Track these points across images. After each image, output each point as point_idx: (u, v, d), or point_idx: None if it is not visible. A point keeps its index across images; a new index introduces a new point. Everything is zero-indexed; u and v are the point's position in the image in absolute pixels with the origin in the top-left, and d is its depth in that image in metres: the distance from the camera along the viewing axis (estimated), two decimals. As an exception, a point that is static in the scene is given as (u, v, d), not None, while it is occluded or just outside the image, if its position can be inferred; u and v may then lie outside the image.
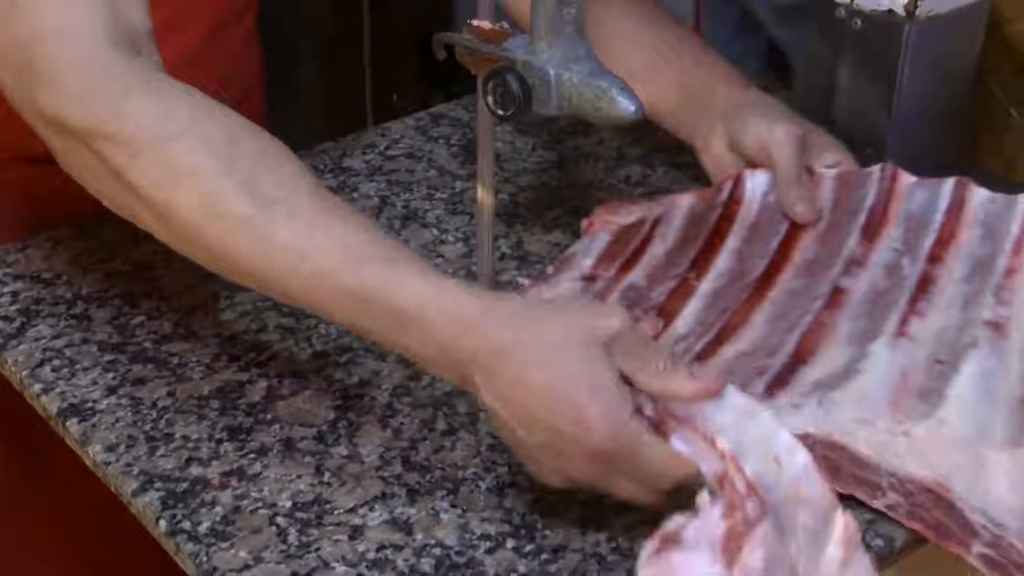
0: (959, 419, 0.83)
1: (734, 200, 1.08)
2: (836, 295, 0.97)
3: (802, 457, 0.77)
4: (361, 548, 0.83)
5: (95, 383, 0.97)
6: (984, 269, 0.98)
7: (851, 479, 0.84)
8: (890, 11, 1.12)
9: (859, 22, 1.14)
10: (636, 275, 1.02)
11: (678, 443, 0.77)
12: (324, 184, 0.87)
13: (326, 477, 0.88)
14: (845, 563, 0.75)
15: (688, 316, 0.98)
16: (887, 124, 1.16)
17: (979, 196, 1.05)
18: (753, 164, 1.09)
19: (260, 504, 0.86)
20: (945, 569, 0.95)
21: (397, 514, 0.85)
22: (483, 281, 0.99)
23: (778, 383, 0.88)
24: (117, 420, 0.94)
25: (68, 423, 0.94)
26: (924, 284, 0.97)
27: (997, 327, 0.91)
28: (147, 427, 0.93)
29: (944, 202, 1.05)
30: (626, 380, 0.78)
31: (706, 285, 1.00)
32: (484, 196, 0.96)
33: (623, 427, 0.76)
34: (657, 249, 1.05)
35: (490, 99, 0.87)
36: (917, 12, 1.11)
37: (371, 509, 0.86)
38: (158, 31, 0.96)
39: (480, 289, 0.87)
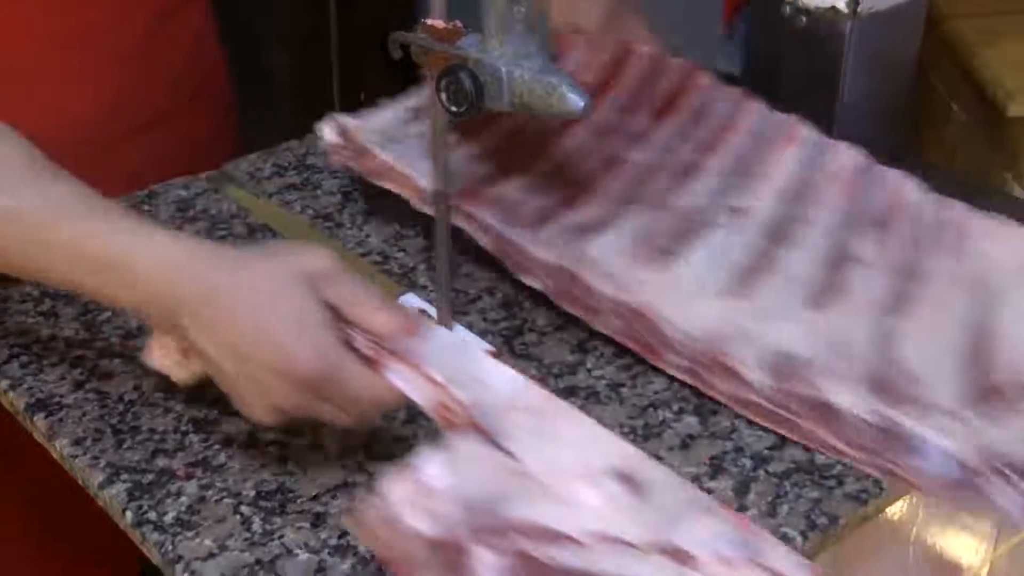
0: (686, 270, 0.96)
1: None
2: (616, 160, 1.08)
3: (510, 376, 0.85)
4: (324, 535, 0.82)
5: (62, 378, 0.96)
6: (742, 166, 1.08)
7: (579, 304, 0.96)
8: (833, 8, 1.12)
9: (803, 19, 1.15)
10: None
11: (392, 377, 0.81)
12: (43, 155, 0.86)
13: (289, 466, 0.88)
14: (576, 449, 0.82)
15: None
16: (832, 118, 1.16)
17: (758, 108, 1.13)
18: None
19: (225, 494, 0.86)
20: (884, 550, 0.95)
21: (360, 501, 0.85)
22: (441, 274, 0.98)
23: (543, 218, 1.01)
24: (84, 414, 0.93)
25: (35, 418, 0.93)
26: (690, 167, 1.08)
27: (738, 212, 1.03)
28: (114, 420, 0.92)
29: (726, 106, 1.14)
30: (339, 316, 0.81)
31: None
32: (440, 187, 0.95)
33: (328, 358, 0.78)
34: None
35: (443, 96, 0.86)
36: (859, 9, 1.11)
37: (333, 497, 0.85)
38: (93, 30, 0.95)
39: (188, 236, 0.87)
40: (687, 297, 0.93)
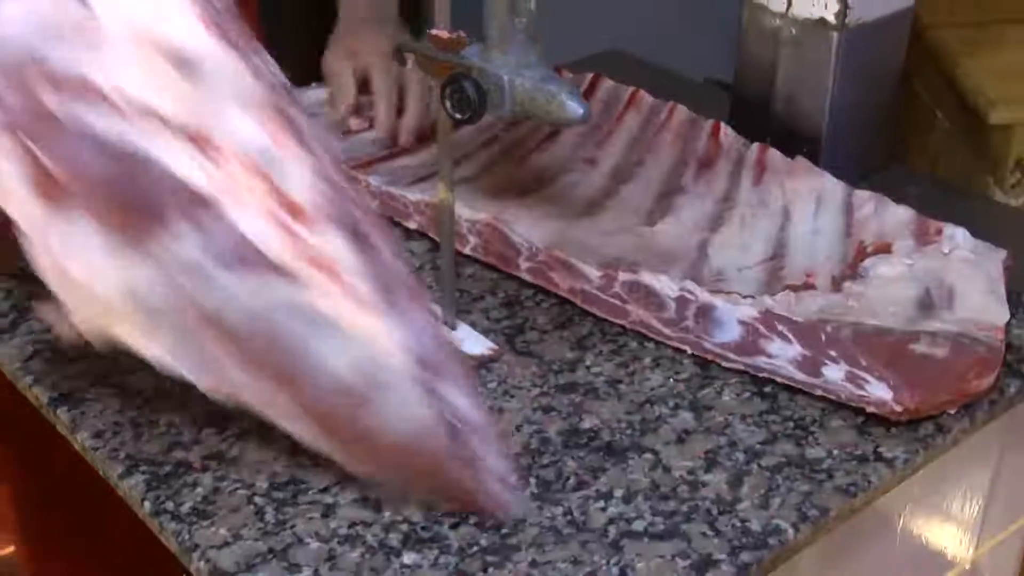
0: (539, 202, 1.10)
1: None
2: (494, 138, 1.23)
3: None
4: (333, 525, 0.81)
5: (84, 373, 0.95)
6: (594, 127, 1.23)
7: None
8: (821, 19, 1.11)
9: (793, 30, 1.14)
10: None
11: None
12: None
13: (300, 459, 0.87)
14: None
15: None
16: (822, 125, 1.15)
17: (681, 113, 1.23)
18: None
19: (239, 485, 0.85)
20: (871, 540, 0.95)
21: (367, 493, 0.84)
22: (445, 275, 0.98)
23: (420, 179, 1.15)
24: (105, 408, 0.92)
25: (59, 411, 0.92)
26: (552, 133, 1.22)
27: (589, 161, 1.18)
28: (133, 414, 0.91)
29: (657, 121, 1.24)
30: None
31: None
32: (444, 194, 0.94)
33: None
34: None
35: (448, 104, 0.85)
36: (846, 20, 1.10)
37: (343, 488, 0.84)
38: None
39: None
40: (537, 218, 1.06)
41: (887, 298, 0.95)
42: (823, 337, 0.89)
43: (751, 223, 1.07)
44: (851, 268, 1.00)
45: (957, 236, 1.00)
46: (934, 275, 0.97)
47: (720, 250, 1.04)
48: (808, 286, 0.98)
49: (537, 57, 0.84)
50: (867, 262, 1.00)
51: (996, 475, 1.09)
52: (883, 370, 0.87)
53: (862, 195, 1.07)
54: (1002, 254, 0.99)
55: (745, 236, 1.05)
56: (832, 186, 1.09)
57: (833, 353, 0.89)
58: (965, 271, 0.98)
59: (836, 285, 0.98)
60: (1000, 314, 0.94)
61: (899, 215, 1.04)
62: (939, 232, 1.01)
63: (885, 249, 1.01)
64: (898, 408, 0.87)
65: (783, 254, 1.03)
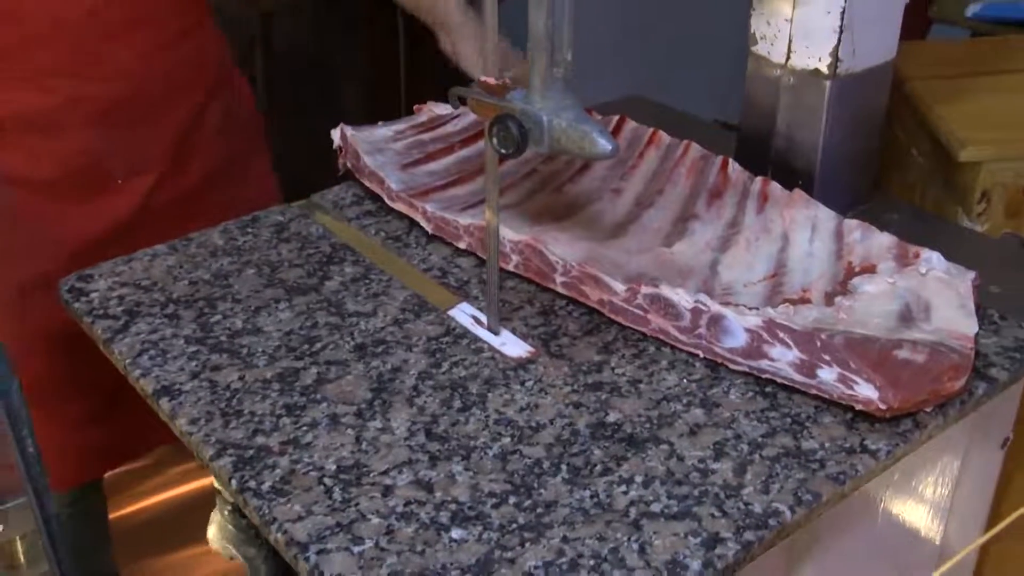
0: (571, 225, 1.08)
1: None
2: (533, 171, 1.19)
3: None
4: (392, 503, 0.79)
5: (182, 369, 0.94)
6: (619, 162, 1.20)
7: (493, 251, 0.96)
8: (816, 70, 1.09)
9: (791, 79, 1.11)
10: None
11: None
12: None
13: (363, 446, 0.85)
14: None
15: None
16: (816, 161, 1.13)
17: (695, 150, 1.19)
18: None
19: (311, 467, 0.83)
20: (857, 521, 0.92)
21: (421, 476, 0.82)
22: (491, 287, 0.96)
23: (469, 206, 1.12)
24: (198, 399, 0.90)
25: (160, 401, 0.91)
26: (583, 167, 1.19)
27: (616, 191, 1.15)
28: (222, 405, 0.90)
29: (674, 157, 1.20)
30: None
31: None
32: (491, 217, 0.92)
33: None
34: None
35: (495, 140, 0.83)
36: (837, 71, 1.08)
37: (400, 472, 0.82)
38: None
39: None
40: (571, 239, 1.04)
41: (873, 311, 0.92)
42: (818, 343, 0.86)
43: (755, 245, 1.04)
44: (841, 285, 0.97)
45: (932, 259, 0.98)
46: (913, 292, 0.95)
47: (728, 268, 1.02)
48: (804, 300, 0.95)
49: (572, 101, 0.82)
50: (855, 280, 0.97)
51: (964, 464, 1.06)
52: (871, 373, 0.84)
53: (850, 223, 1.04)
54: (971, 274, 0.96)
55: (750, 256, 1.03)
56: (825, 215, 1.06)
57: (827, 357, 0.86)
58: (939, 289, 0.95)
59: (828, 300, 0.95)
60: (970, 326, 0.91)
61: (882, 240, 1.01)
62: (917, 255, 0.98)
63: (870, 269, 0.98)
64: (883, 406, 0.84)
65: (783, 272, 1.00)
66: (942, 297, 0.94)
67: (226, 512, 1.79)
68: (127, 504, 1.96)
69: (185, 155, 1.25)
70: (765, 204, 1.09)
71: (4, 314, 1.24)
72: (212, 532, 1.83)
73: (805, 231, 1.05)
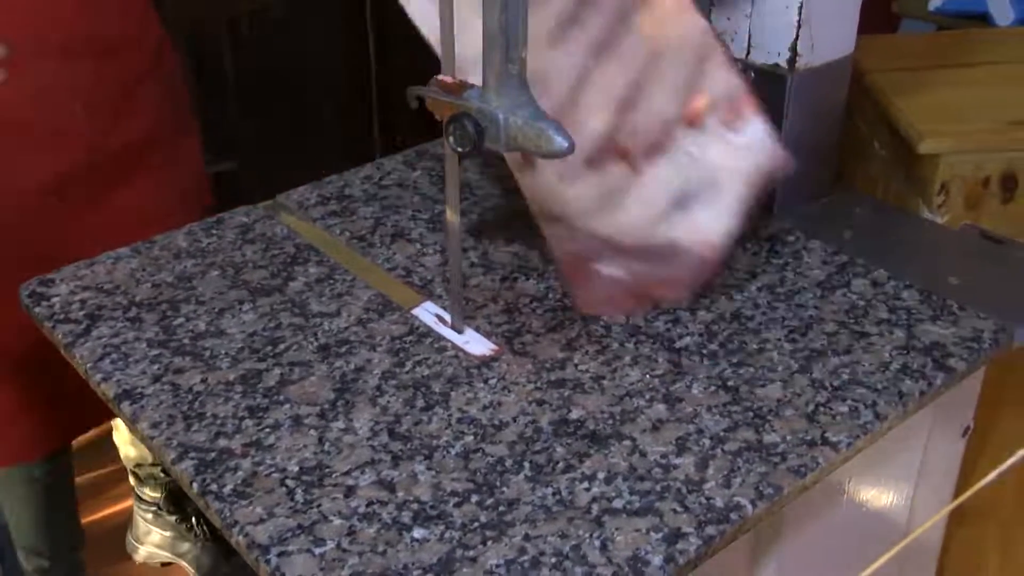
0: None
1: None
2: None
3: None
4: (354, 504, 0.78)
5: (143, 373, 0.93)
6: None
7: None
8: (776, 65, 1.09)
9: (752, 74, 1.11)
10: None
11: None
12: None
13: (326, 447, 0.84)
14: None
15: None
16: (776, 154, 1.12)
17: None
18: None
19: (273, 469, 0.82)
20: (821, 512, 0.92)
21: (383, 476, 0.81)
22: (454, 286, 0.95)
23: None
24: (160, 402, 0.89)
25: (122, 405, 0.90)
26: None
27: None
28: (184, 408, 0.88)
29: None
30: None
31: None
32: (452, 216, 0.91)
33: None
34: None
35: (451, 139, 0.82)
36: (796, 65, 1.08)
37: (362, 472, 0.81)
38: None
39: None
40: None
41: (660, 185, 0.87)
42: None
43: (623, 61, 0.89)
44: (660, 140, 0.88)
45: (754, 130, 0.87)
46: (705, 169, 0.86)
47: (594, 86, 0.89)
48: (624, 154, 0.88)
49: (528, 98, 0.81)
50: (672, 136, 0.88)
51: (926, 454, 1.06)
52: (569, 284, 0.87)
53: (716, 49, 0.88)
54: (780, 162, 0.87)
55: (613, 72, 0.89)
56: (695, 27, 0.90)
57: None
58: (734, 171, 0.86)
59: (635, 164, 0.88)
60: (720, 230, 0.84)
61: (731, 84, 0.88)
62: (742, 119, 0.87)
63: (697, 120, 0.87)
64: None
65: (636, 99, 0.89)
66: (730, 184, 0.86)
67: (148, 517, 1.77)
68: (103, 507, 1.94)
69: (115, 117, 1.21)
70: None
71: None
72: (135, 545, 1.81)
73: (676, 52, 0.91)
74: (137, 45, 1.23)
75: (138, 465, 1.72)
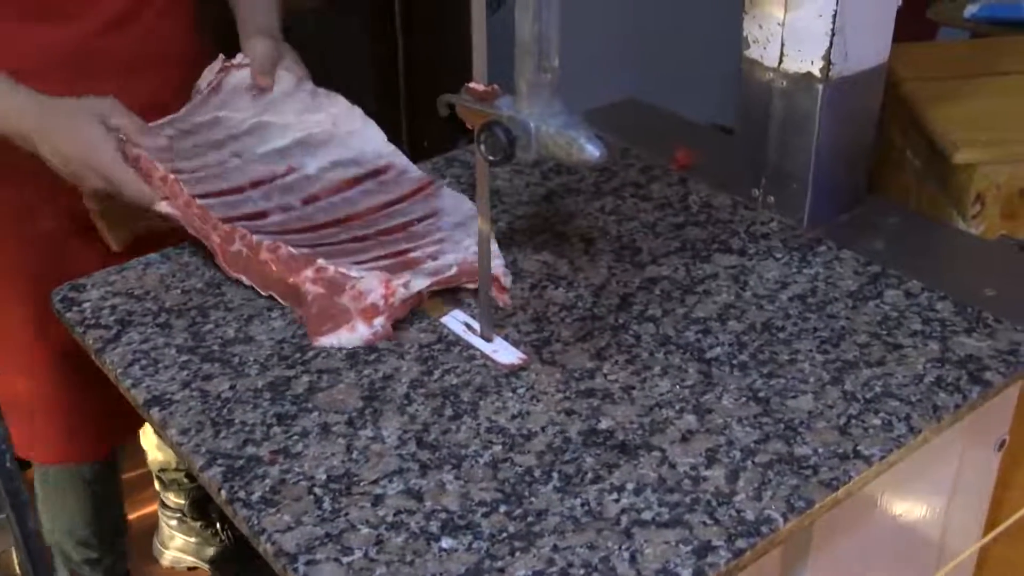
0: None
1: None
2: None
3: None
4: (382, 513, 0.78)
5: (173, 379, 0.93)
6: None
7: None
8: (808, 73, 1.08)
9: (784, 83, 1.10)
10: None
11: (164, 206, 1.06)
12: None
13: (354, 455, 0.84)
14: None
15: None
16: (809, 164, 1.12)
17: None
18: None
19: (301, 477, 0.82)
20: (854, 527, 0.91)
21: (411, 485, 0.81)
22: (483, 294, 0.95)
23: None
24: (189, 409, 0.90)
25: (151, 411, 0.90)
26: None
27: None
28: (212, 414, 0.89)
29: None
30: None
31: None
32: (483, 224, 0.91)
33: (107, 158, 1.04)
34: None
35: (483, 147, 0.82)
36: (830, 74, 1.07)
37: (390, 481, 0.81)
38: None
39: (28, 90, 1.07)
40: None
41: None
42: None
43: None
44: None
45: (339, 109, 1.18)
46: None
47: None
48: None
49: (560, 106, 0.81)
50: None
51: (961, 467, 1.05)
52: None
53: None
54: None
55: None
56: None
57: None
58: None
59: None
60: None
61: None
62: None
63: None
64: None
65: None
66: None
67: (172, 523, 1.78)
68: (133, 510, 1.95)
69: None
70: None
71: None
72: (160, 550, 1.82)
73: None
74: (178, 61, 1.25)
75: (162, 470, 1.73)
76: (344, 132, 1.18)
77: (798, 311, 1.00)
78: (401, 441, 0.85)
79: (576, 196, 1.23)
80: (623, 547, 0.75)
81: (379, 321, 0.96)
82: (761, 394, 0.89)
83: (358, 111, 1.20)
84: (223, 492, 0.81)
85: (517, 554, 0.74)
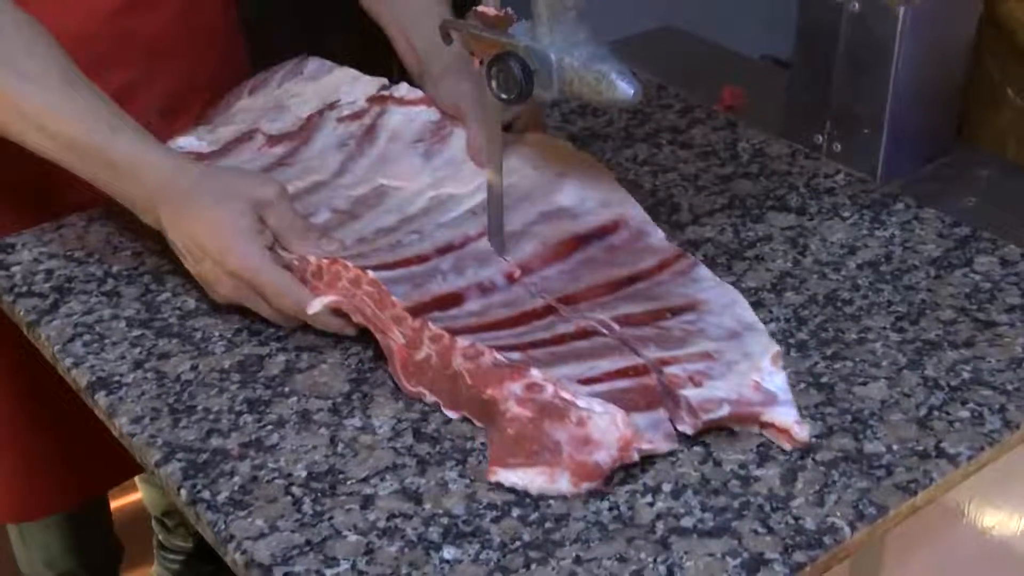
0: None
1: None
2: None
3: None
4: (372, 517, 0.80)
5: (123, 357, 0.95)
6: None
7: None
8: (886, -6, 1.08)
9: (856, 5, 1.11)
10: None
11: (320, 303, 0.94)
12: (74, 64, 1.00)
13: (340, 448, 0.86)
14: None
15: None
16: (885, 105, 1.12)
17: None
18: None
19: (276, 474, 0.84)
20: (936, 539, 0.92)
21: (407, 484, 0.83)
22: (495, 249, 0.96)
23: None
24: (143, 393, 0.92)
25: (96, 396, 0.92)
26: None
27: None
28: (171, 400, 0.91)
29: None
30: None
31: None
32: (493, 177, 0.93)
33: (254, 261, 0.94)
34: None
35: (494, 83, 0.84)
36: (913, -6, 1.07)
37: (382, 479, 0.83)
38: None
39: (178, 152, 1.05)
40: None
41: None
42: None
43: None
44: None
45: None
46: None
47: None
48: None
49: (587, 35, 0.82)
50: None
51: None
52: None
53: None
54: None
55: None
56: None
57: None
58: None
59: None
60: None
61: None
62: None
63: None
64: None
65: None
66: None
67: (175, 568, 1.81)
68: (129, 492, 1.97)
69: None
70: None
71: None
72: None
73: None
74: (212, 40, 1.29)
75: (166, 513, 1.75)
76: (553, 175, 1.04)
77: (869, 281, 1.02)
78: (395, 432, 0.87)
79: (603, 143, 1.24)
80: (659, 559, 0.77)
81: (592, 485, 0.82)
82: (824, 379, 0.91)
83: (570, 147, 1.08)
84: (183, 492, 0.83)
85: (533, 566, 0.76)
